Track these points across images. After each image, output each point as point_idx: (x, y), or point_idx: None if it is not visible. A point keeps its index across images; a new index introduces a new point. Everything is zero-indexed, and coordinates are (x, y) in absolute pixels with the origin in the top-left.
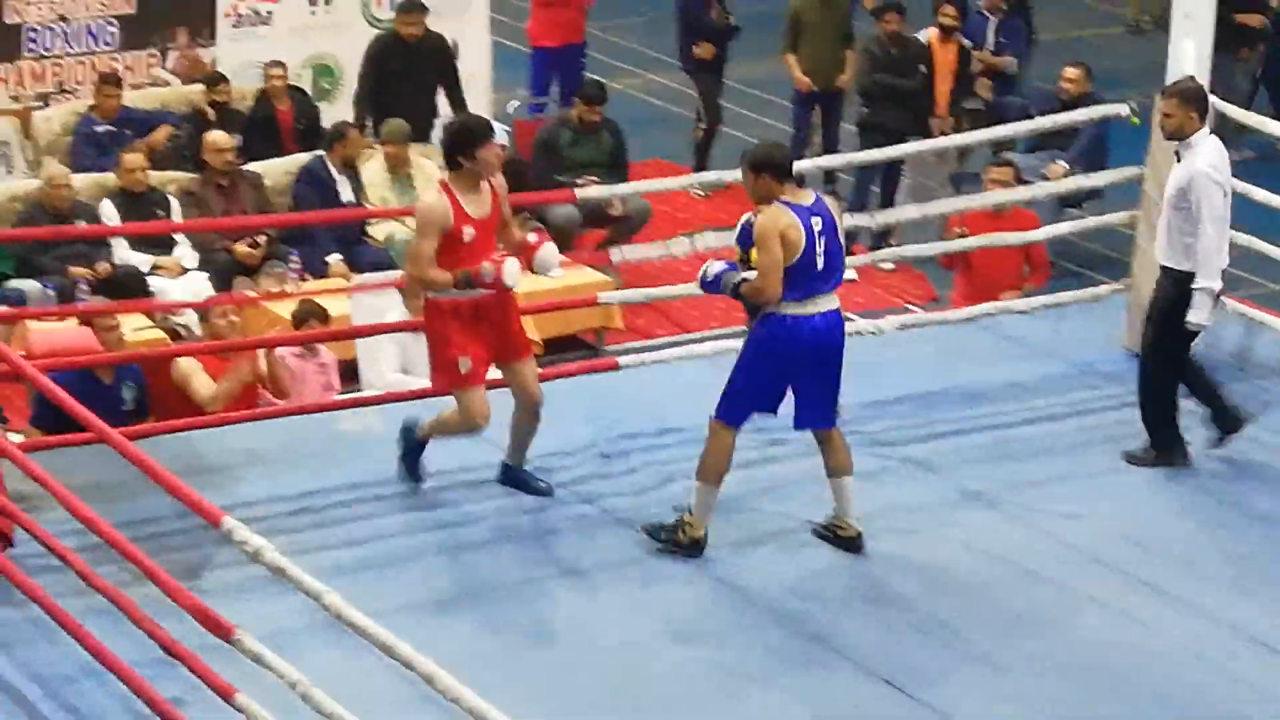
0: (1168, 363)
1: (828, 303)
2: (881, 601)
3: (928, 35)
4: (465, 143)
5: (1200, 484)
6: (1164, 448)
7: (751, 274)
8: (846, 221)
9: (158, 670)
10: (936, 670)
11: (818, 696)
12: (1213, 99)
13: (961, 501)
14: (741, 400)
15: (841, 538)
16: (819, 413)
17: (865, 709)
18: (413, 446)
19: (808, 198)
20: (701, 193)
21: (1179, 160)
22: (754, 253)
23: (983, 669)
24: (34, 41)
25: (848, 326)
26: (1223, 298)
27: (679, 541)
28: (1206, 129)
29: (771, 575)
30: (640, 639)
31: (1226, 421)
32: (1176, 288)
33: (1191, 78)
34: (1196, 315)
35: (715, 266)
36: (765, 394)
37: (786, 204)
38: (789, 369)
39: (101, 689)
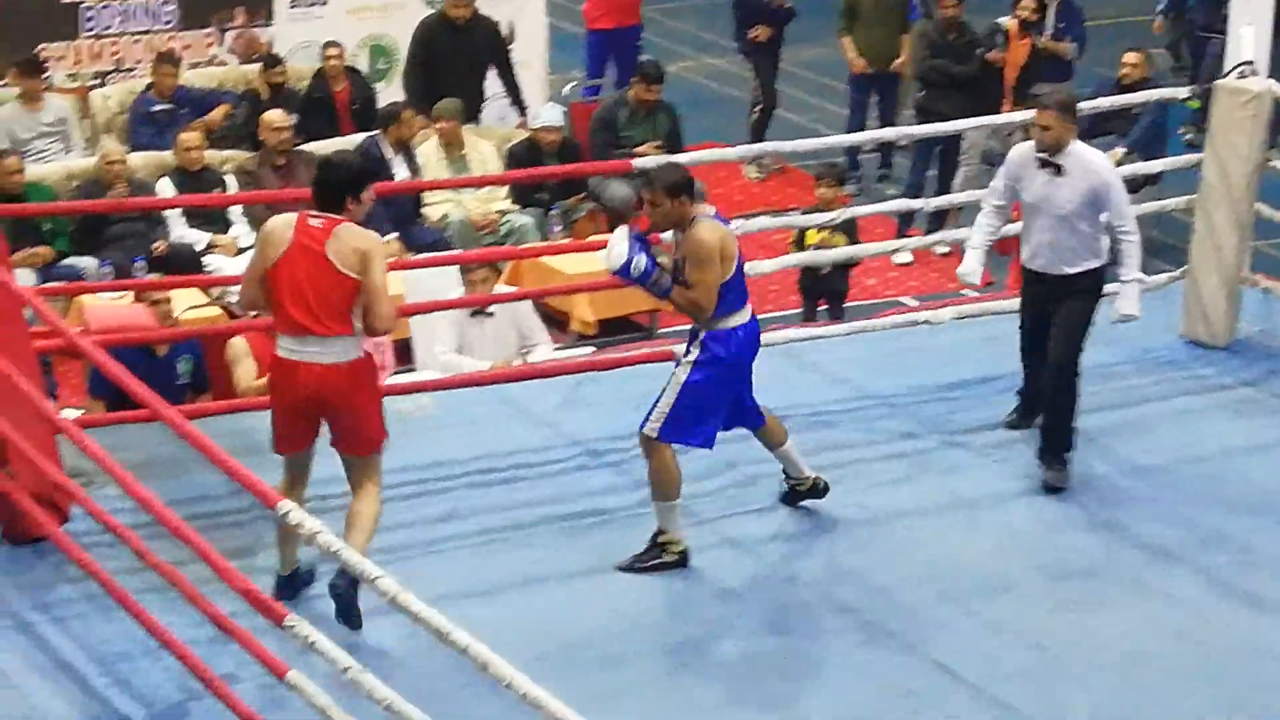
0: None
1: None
2: (940, 590)
3: (1007, 23)
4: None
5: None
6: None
7: (664, 278)
8: (903, 205)
9: (212, 647)
10: (990, 655)
11: (872, 681)
12: (1272, 83)
13: (1019, 489)
14: (690, 419)
15: (812, 489)
16: (755, 410)
17: (921, 694)
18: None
19: (711, 207)
20: (758, 175)
21: (1059, 174)
22: (690, 270)
23: (1036, 655)
24: (92, 21)
25: (905, 317)
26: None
27: (666, 562)
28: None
29: (822, 561)
30: (691, 624)
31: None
32: (1096, 285)
33: (1066, 88)
34: (1132, 306)
35: (640, 260)
36: (719, 411)
37: (713, 217)
38: (741, 378)
39: (156, 665)
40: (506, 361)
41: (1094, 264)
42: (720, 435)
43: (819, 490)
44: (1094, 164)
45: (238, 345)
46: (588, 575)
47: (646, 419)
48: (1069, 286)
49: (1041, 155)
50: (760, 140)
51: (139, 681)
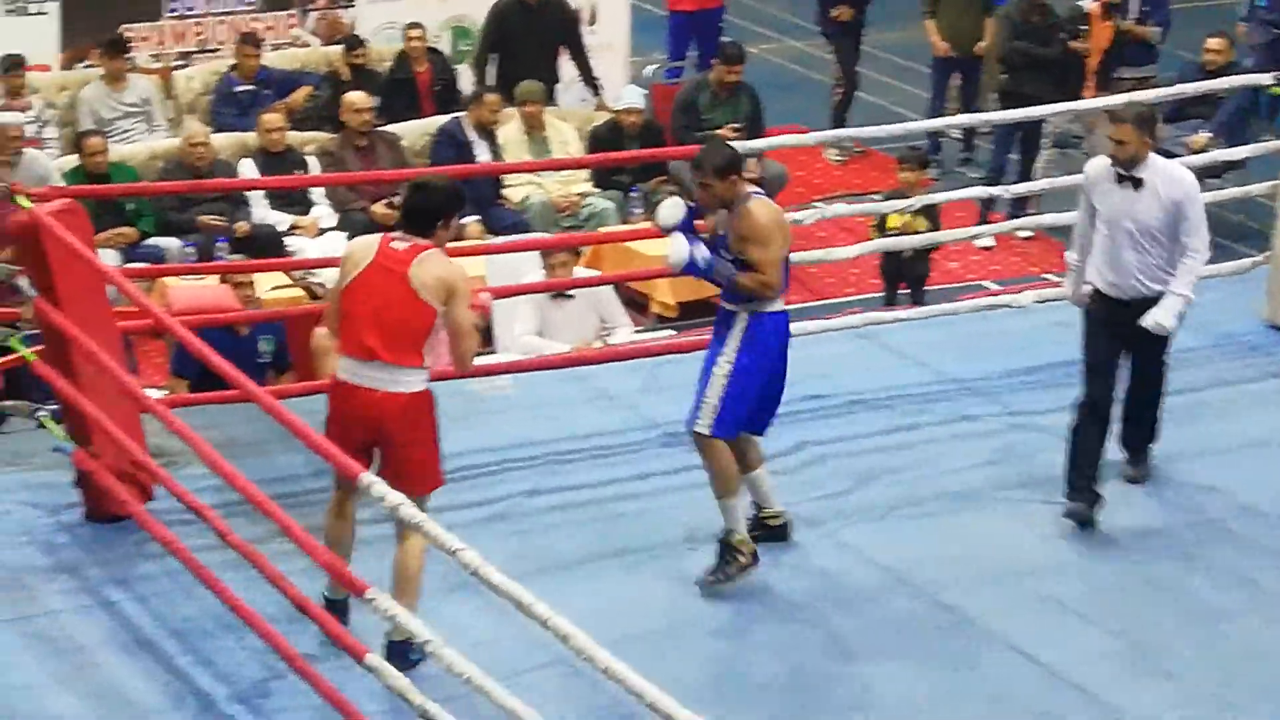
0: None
1: None
2: (1015, 572)
3: (1089, 6)
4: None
5: None
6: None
7: (726, 267)
8: (981, 192)
9: (293, 625)
10: (1073, 644)
11: (949, 664)
12: None
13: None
14: (736, 409)
15: (780, 529)
16: (770, 417)
17: (1000, 680)
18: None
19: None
20: (839, 158)
21: (1139, 188)
22: (750, 249)
23: (1120, 642)
24: (176, 2)
25: (986, 300)
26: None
27: (742, 565)
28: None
29: (894, 545)
30: (777, 601)
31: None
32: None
33: (1143, 101)
34: (1166, 317)
35: (701, 251)
36: (766, 398)
37: (760, 196)
38: (781, 369)
39: (237, 643)
40: (586, 344)
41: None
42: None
43: (784, 531)
44: (1178, 176)
45: (321, 340)
46: (667, 556)
47: (695, 415)
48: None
49: (1118, 169)
50: (841, 123)
51: (221, 659)
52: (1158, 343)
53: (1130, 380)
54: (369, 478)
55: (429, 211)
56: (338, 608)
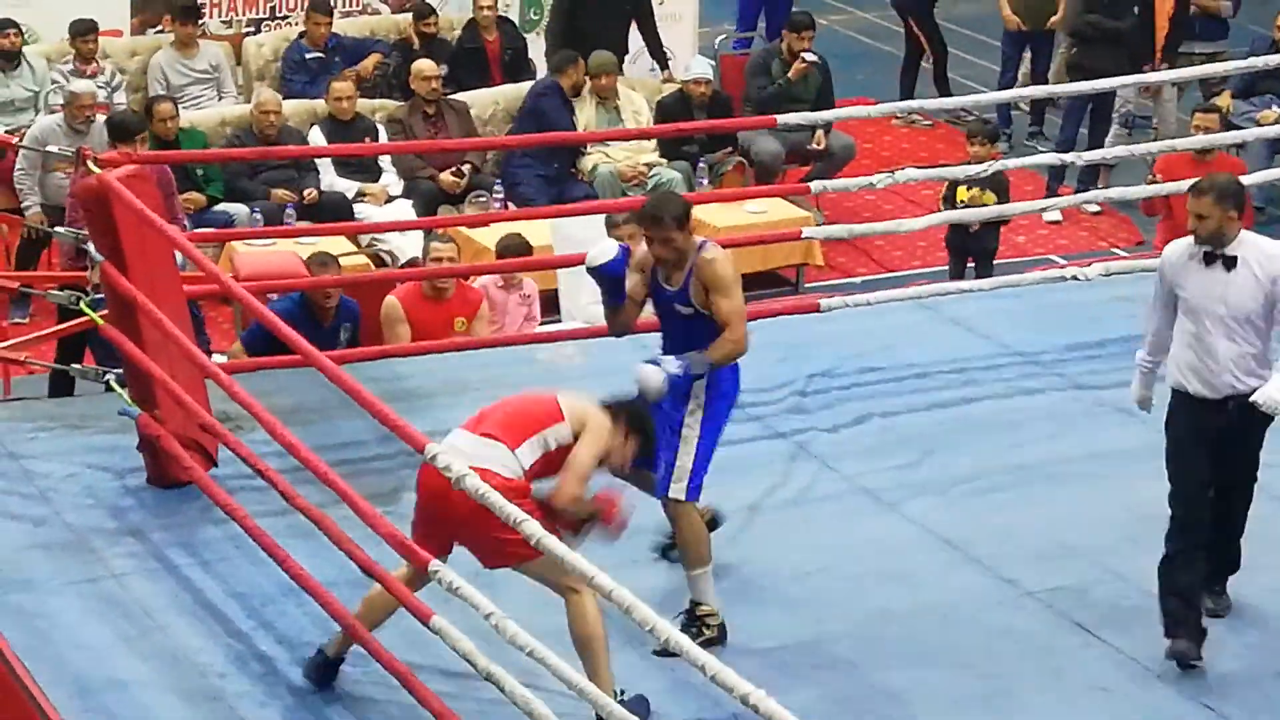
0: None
1: None
2: (1078, 548)
3: None
4: None
5: None
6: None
7: (696, 356)
8: (1052, 159)
9: (355, 591)
10: (1136, 623)
11: (1011, 639)
12: None
13: (1162, 448)
14: (707, 466)
15: (710, 522)
16: None
17: (1061, 658)
18: None
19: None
20: (928, 121)
21: (1231, 268)
22: (717, 300)
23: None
24: None
25: (1052, 272)
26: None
27: (708, 639)
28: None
29: (957, 519)
30: (840, 575)
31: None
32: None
33: (1227, 178)
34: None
35: (672, 365)
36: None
37: (711, 243)
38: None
39: (299, 608)
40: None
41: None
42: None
43: (713, 524)
44: (1275, 251)
45: (391, 310)
46: (733, 521)
47: (667, 481)
48: (1250, 409)
49: (1205, 248)
50: (946, 91)
51: (282, 624)
52: (1251, 449)
53: (1214, 494)
54: (434, 448)
55: None
56: (327, 667)
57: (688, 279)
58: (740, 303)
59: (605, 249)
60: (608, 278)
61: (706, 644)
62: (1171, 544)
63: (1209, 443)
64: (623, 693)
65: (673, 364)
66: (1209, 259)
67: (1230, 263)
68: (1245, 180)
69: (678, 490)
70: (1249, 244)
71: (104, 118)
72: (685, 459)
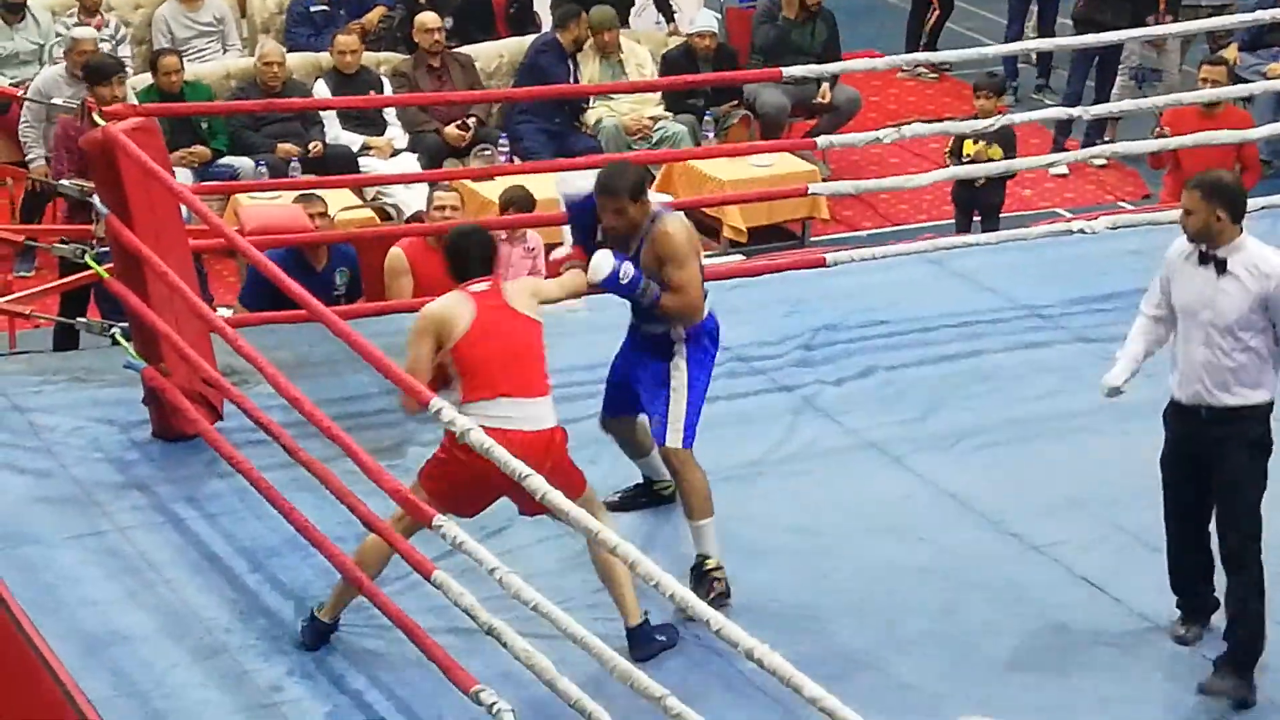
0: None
1: None
2: (1084, 502)
3: None
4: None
5: None
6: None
7: (653, 286)
8: (1059, 113)
9: (359, 545)
10: (1140, 576)
11: (1015, 593)
12: None
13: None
14: (696, 417)
15: (664, 496)
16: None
17: (1064, 612)
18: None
19: (663, 196)
20: (934, 74)
21: (1222, 273)
22: (670, 271)
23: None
24: None
25: (1058, 226)
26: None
27: (720, 593)
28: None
29: (962, 473)
30: (845, 529)
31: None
32: (1263, 430)
33: (1219, 174)
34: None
35: (627, 266)
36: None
37: (668, 212)
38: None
39: (304, 562)
40: None
41: (1260, 397)
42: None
43: (673, 497)
44: (1271, 265)
45: (395, 261)
46: (737, 479)
47: (663, 433)
48: (1228, 427)
49: (1199, 248)
50: (934, 46)
51: (287, 577)
52: (1228, 472)
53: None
54: (438, 402)
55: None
56: (318, 628)
57: (639, 248)
58: (695, 273)
59: (576, 183)
60: (575, 210)
61: (715, 601)
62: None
63: (1185, 455)
64: (647, 614)
65: (629, 269)
66: (1203, 259)
67: (1221, 266)
68: (1252, 134)
69: (675, 438)
70: (1246, 251)
71: None
72: (678, 408)
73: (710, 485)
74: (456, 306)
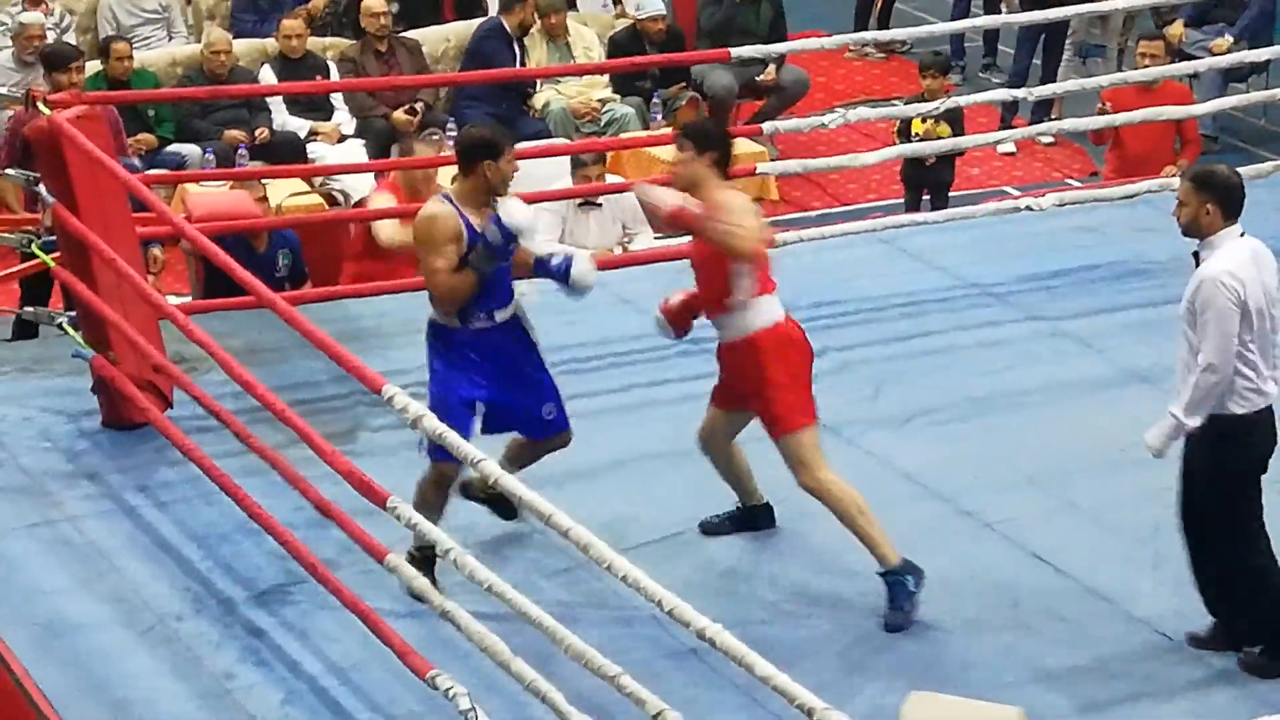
0: (1231, 529)
1: None
2: (1036, 479)
3: None
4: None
5: None
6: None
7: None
8: (1004, 94)
9: (312, 531)
10: (1093, 551)
11: (968, 570)
12: None
13: (1120, 378)
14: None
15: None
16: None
17: (1018, 589)
18: None
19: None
20: (881, 54)
21: (1198, 266)
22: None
23: (1142, 550)
24: None
25: (1006, 204)
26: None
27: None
28: (1237, 228)
29: (915, 452)
30: (798, 509)
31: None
32: (1206, 430)
33: (1215, 166)
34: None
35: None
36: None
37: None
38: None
39: (257, 548)
40: (608, 250)
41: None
42: None
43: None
44: (1212, 264)
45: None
46: (686, 463)
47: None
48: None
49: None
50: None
51: (240, 564)
52: (1192, 475)
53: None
54: (390, 389)
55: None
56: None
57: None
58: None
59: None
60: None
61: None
62: None
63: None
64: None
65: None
66: (1195, 255)
67: (1197, 261)
68: (1195, 109)
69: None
70: (1218, 252)
71: None
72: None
73: (657, 466)
74: None
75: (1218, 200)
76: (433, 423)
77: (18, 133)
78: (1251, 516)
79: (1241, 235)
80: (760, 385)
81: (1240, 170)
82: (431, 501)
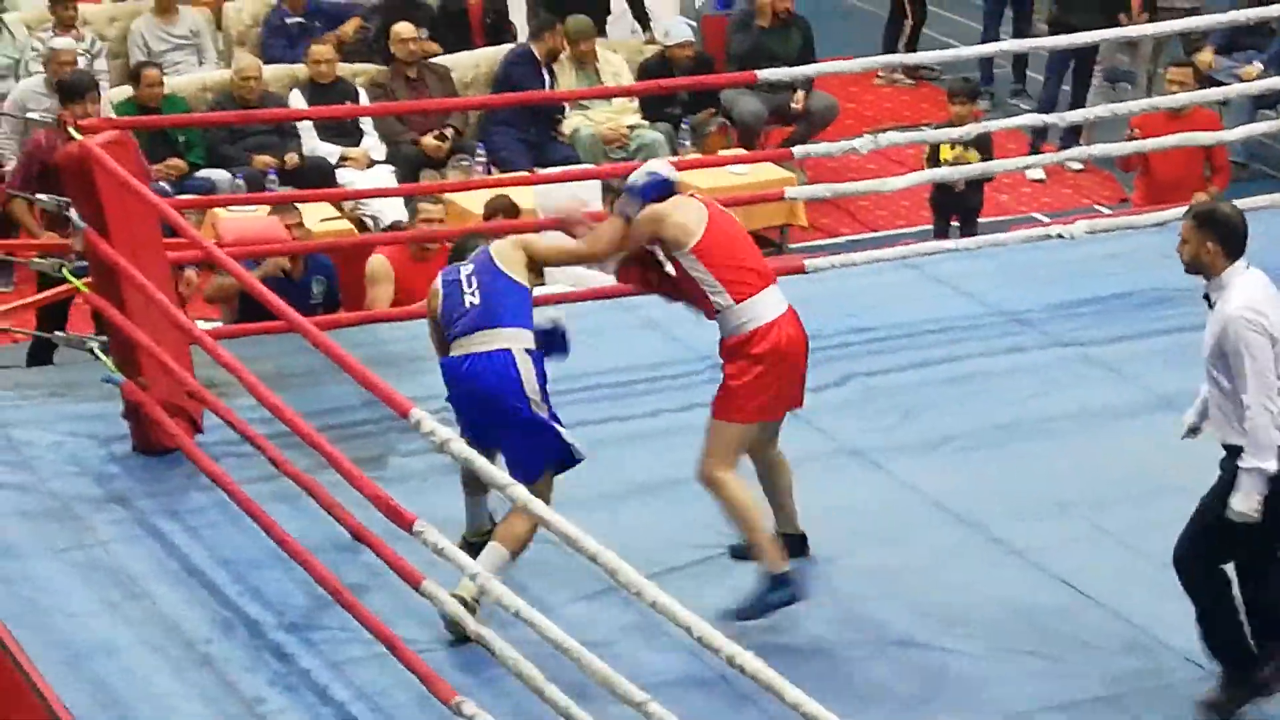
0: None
1: None
2: (1065, 505)
3: None
4: None
5: None
6: (1238, 679)
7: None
8: (1034, 120)
9: (341, 556)
10: (1114, 576)
11: (996, 597)
12: None
13: (1150, 405)
14: None
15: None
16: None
17: (1048, 615)
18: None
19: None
20: (910, 80)
21: (1211, 307)
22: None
23: (1169, 576)
24: None
25: (1036, 231)
26: None
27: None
28: (1243, 263)
29: (944, 478)
30: (827, 535)
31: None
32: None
33: (1218, 204)
34: (1241, 502)
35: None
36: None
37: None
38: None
39: (286, 574)
40: None
41: (1242, 440)
42: None
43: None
44: (1230, 303)
45: (378, 267)
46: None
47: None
48: (1224, 466)
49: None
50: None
51: (269, 590)
52: (1204, 505)
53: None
54: (418, 413)
55: None
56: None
57: None
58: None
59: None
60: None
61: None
62: None
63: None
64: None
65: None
66: (1206, 297)
67: (1210, 302)
68: (1226, 136)
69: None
70: (1230, 291)
71: None
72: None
73: (686, 490)
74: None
75: (1219, 239)
76: (461, 447)
77: (35, 156)
78: None
79: (1247, 268)
80: (722, 377)
81: (1268, 198)
82: (521, 535)
